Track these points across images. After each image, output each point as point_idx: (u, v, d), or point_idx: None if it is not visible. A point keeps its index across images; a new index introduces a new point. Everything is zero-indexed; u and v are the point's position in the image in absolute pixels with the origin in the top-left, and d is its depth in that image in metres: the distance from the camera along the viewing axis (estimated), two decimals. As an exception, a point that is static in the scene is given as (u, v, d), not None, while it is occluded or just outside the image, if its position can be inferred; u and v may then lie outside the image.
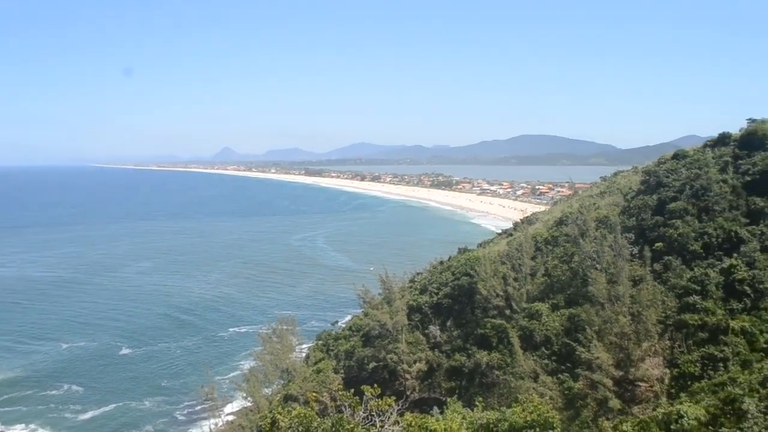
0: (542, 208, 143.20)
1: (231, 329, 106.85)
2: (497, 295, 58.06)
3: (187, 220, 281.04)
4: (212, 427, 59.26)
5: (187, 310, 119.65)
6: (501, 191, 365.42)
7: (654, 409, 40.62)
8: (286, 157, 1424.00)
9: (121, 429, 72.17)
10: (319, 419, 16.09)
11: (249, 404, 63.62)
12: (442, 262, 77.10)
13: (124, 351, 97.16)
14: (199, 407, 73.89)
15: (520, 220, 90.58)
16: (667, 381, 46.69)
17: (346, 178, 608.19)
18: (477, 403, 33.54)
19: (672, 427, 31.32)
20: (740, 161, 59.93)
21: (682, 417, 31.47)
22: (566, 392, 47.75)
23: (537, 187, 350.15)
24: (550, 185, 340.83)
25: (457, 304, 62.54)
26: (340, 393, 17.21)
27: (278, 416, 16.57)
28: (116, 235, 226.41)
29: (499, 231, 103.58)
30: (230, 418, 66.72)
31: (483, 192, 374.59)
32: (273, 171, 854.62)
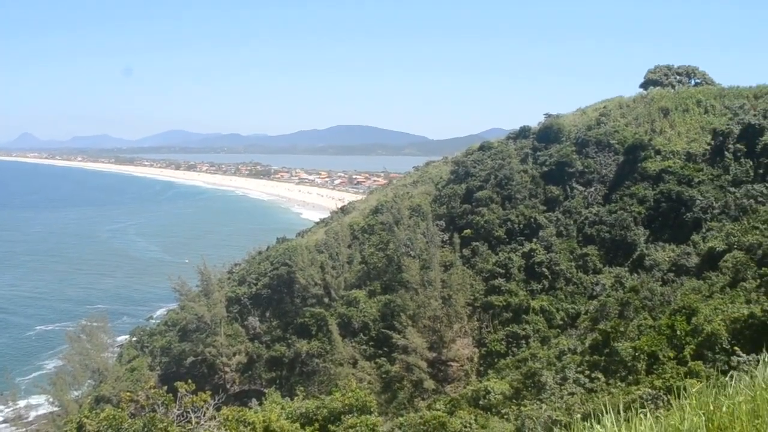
0: (359, 197, 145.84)
1: (38, 327, 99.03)
2: (316, 284, 58.68)
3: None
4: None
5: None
6: (319, 180, 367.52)
7: (465, 387, 43.19)
8: (94, 144, 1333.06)
9: None
10: (130, 420, 15.47)
11: (56, 409, 59.64)
12: (260, 252, 76.53)
13: None
14: (-1, 415, 67.98)
15: (337, 209, 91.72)
16: (476, 359, 49.82)
17: (161, 167, 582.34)
18: (298, 392, 33.78)
19: (480, 402, 33.50)
20: (538, 153, 64.89)
21: (489, 392, 33.81)
22: (384, 376, 49.43)
23: (354, 176, 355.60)
24: (367, 175, 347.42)
25: (276, 294, 62.46)
26: (153, 391, 16.61)
27: (85, 420, 15.75)
28: None
29: (318, 220, 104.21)
30: (35, 426, 62.18)
31: (302, 181, 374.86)
32: (79, 159, 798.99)
